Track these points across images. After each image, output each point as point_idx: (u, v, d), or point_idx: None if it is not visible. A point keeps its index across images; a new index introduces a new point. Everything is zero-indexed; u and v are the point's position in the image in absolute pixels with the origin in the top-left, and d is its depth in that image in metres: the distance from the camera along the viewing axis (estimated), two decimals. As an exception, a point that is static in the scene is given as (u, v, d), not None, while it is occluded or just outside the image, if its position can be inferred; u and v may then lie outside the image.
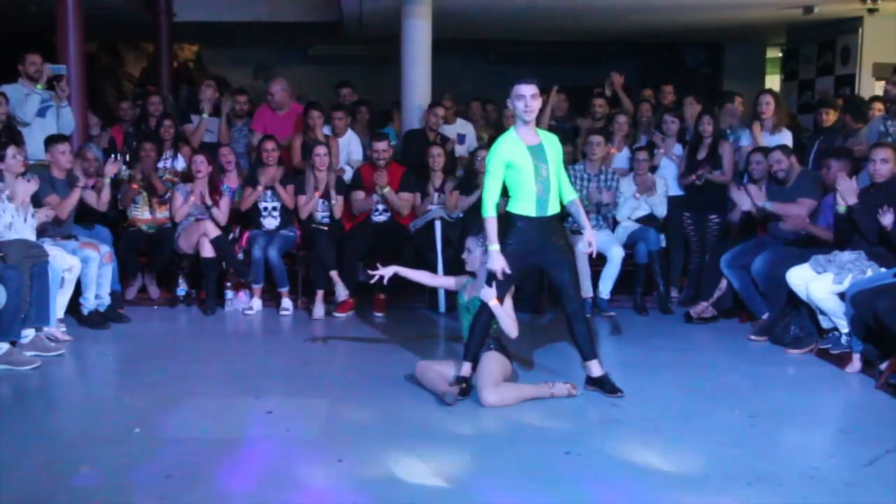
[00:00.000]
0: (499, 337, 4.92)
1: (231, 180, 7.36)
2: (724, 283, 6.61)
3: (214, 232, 6.88)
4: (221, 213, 7.08)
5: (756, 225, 6.71)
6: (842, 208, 5.64)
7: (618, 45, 14.09)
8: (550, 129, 8.33)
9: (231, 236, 7.24)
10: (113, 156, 7.15)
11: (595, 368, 4.97)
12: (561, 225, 4.95)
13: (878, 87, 9.90)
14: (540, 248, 4.76)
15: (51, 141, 6.58)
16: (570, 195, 4.95)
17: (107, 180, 6.76)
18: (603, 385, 4.92)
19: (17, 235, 5.63)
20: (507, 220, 4.74)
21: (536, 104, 4.65)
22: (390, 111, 9.68)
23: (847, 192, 5.58)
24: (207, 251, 6.86)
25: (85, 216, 6.80)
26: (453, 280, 5.23)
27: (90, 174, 6.89)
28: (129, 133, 8.09)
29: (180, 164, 7.65)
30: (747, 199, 6.49)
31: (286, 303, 7.01)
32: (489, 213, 4.62)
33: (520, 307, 6.97)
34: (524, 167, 4.65)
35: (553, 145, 4.78)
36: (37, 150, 6.73)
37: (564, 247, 4.83)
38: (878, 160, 5.58)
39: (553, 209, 4.76)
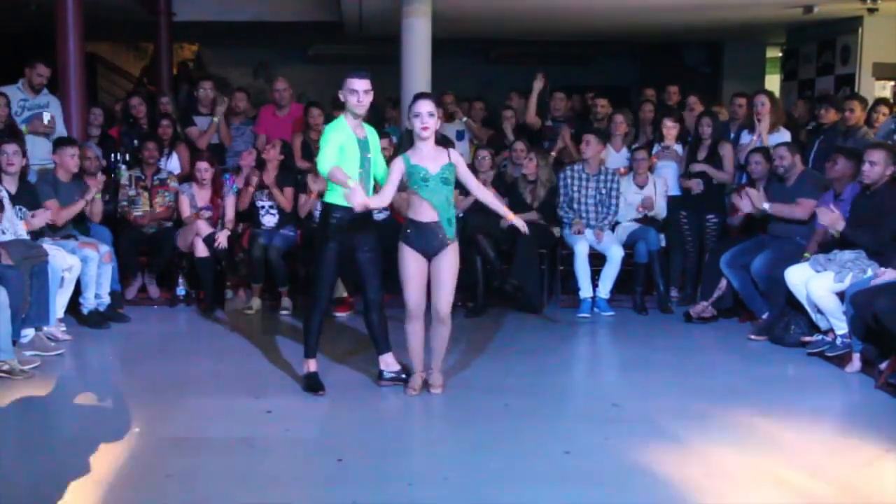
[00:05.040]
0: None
1: (241, 180, 7.36)
2: (723, 283, 6.61)
3: (207, 230, 6.88)
4: (228, 213, 7.12)
5: (757, 225, 6.70)
6: (836, 233, 5.67)
7: (618, 45, 14.08)
8: (548, 129, 8.37)
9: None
10: (125, 166, 7.18)
11: (391, 363, 5.02)
12: (370, 216, 4.98)
13: (879, 87, 9.91)
14: (356, 236, 4.83)
15: (60, 143, 6.57)
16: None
17: (97, 196, 6.72)
18: (397, 378, 4.98)
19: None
20: (325, 211, 4.83)
21: (368, 98, 4.72)
22: (383, 107, 9.58)
23: (834, 224, 5.62)
24: (201, 250, 6.86)
25: (82, 219, 6.79)
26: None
27: (91, 173, 6.90)
28: (124, 132, 8.07)
29: (174, 163, 7.64)
30: (748, 202, 6.49)
31: (286, 302, 7.01)
32: (327, 168, 4.63)
33: (520, 307, 7.05)
34: (350, 158, 4.71)
35: (374, 140, 4.91)
36: (29, 156, 6.74)
37: (375, 237, 4.93)
38: (867, 161, 5.59)
39: None
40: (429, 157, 4.66)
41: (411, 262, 4.70)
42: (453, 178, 4.69)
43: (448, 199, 4.69)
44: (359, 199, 4.50)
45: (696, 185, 7.14)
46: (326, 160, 4.64)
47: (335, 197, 4.78)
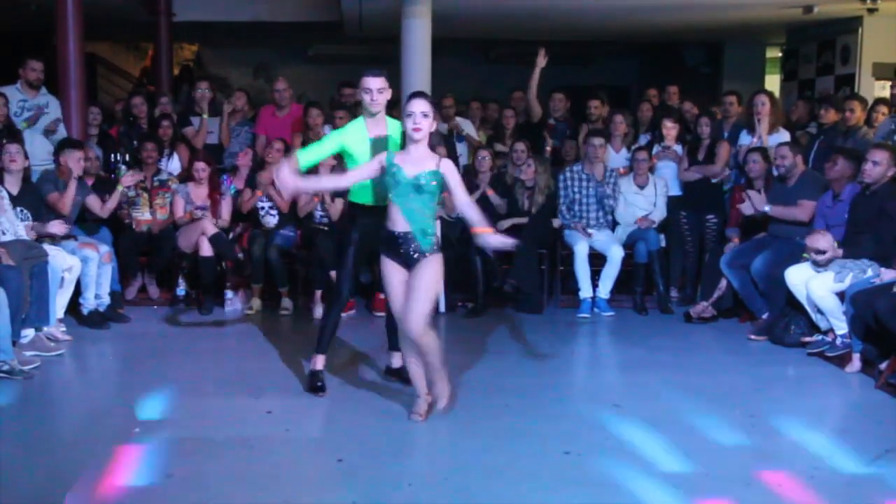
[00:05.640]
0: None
1: (238, 180, 7.37)
2: (723, 283, 6.62)
3: (212, 230, 6.89)
4: (224, 213, 7.13)
5: (758, 226, 6.70)
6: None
7: (618, 45, 14.08)
8: (549, 128, 8.36)
9: (231, 235, 7.25)
10: (125, 166, 7.23)
11: (396, 360, 5.07)
12: None
13: (879, 87, 9.91)
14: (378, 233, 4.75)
15: (67, 146, 6.58)
16: None
17: (120, 188, 6.78)
18: (400, 375, 5.00)
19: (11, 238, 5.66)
20: (349, 210, 4.86)
21: (383, 97, 4.67)
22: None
23: (827, 245, 5.62)
24: (206, 250, 6.86)
25: (87, 218, 6.81)
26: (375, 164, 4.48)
27: (91, 174, 6.91)
28: (123, 132, 8.07)
29: (174, 164, 7.64)
30: (749, 205, 6.50)
31: (286, 303, 7.01)
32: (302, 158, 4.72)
33: (520, 307, 7.05)
34: (363, 158, 4.67)
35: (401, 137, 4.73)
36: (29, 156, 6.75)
37: None
38: (870, 161, 5.60)
39: None
40: (411, 160, 4.30)
41: (393, 275, 4.36)
42: (436, 188, 4.29)
43: (423, 208, 4.29)
44: (285, 179, 4.34)
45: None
46: (306, 154, 4.76)
47: (359, 196, 4.75)
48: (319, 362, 4.94)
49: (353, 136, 4.70)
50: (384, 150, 4.63)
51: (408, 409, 4.52)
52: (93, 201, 6.70)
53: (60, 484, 3.62)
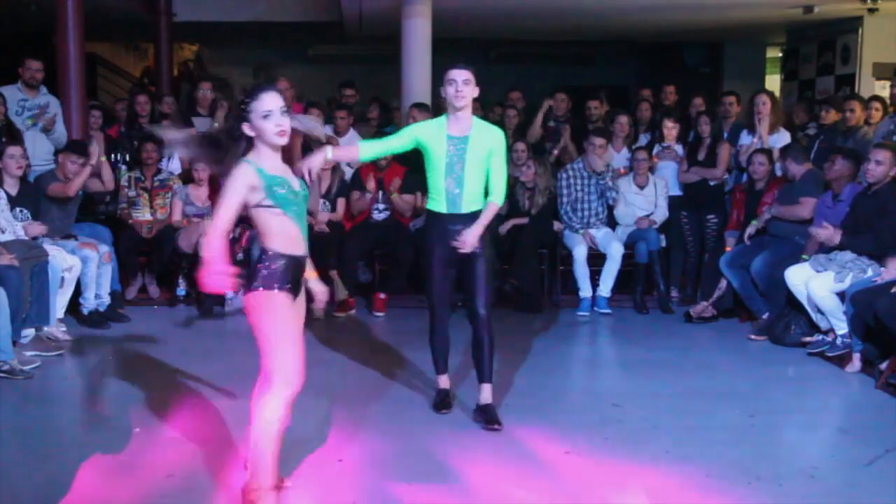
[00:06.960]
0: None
1: None
2: (723, 283, 6.62)
3: None
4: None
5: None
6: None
7: (617, 44, 14.08)
8: (549, 129, 8.36)
9: (231, 236, 7.24)
10: (125, 166, 7.28)
11: (487, 395, 4.53)
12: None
13: (879, 87, 9.91)
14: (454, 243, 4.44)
15: (71, 149, 6.61)
16: (496, 197, 4.46)
17: (102, 158, 6.84)
18: (486, 413, 4.45)
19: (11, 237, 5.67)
20: (428, 219, 4.57)
21: (468, 90, 4.34)
22: (390, 109, 9.57)
23: (830, 240, 5.67)
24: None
25: (86, 214, 6.82)
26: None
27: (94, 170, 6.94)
28: (123, 133, 8.06)
29: (175, 164, 7.65)
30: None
31: (286, 302, 7.00)
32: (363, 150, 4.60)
33: (519, 307, 7.05)
34: (437, 158, 4.38)
35: (485, 140, 4.39)
36: (30, 156, 6.76)
37: (480, 250, 4.47)
38: (873, 160, 5.60)
39: (469, 207, 4.42)
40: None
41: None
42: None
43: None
44: (315, 164, 4.04)
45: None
46: (371, 145, 4.66)
47: (436, 204, 4.46)
48: (442, 381, 4.73)
49: (431, 132, 4.40)
50: (464, 150, 4.34)
51: (406, 410, 4.52)
52: (93, 184, 6.78)
53: (60, 484, 3.62)
